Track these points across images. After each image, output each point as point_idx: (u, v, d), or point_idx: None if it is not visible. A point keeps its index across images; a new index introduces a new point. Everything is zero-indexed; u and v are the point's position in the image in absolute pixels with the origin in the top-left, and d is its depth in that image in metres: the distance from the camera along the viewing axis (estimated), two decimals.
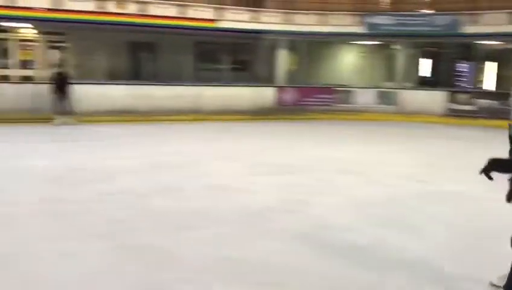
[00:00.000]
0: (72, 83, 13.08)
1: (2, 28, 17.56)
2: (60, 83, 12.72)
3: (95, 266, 3.98)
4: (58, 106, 12.63)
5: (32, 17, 15.79)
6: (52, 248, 4.36)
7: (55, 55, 15.52)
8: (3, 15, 15.61)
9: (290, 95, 17.49)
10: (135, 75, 17.86)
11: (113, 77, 16.28)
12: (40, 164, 7.84)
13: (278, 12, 18.45)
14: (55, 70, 13.53)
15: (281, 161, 8.82)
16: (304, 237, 4.85)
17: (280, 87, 17.80)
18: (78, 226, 5.00)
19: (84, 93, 13.91)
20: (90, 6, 16.19)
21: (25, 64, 18.87)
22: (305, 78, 19.40)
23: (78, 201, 5.86)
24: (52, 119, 12.48)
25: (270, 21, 18.16)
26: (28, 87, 14.11)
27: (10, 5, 15.55)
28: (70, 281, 3.72)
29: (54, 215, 5.32)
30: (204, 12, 17.49)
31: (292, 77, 19.22)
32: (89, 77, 16.03)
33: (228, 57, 19.44)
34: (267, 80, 18.58)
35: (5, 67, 18.42)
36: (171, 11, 17.12)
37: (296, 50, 19.64)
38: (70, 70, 18.31)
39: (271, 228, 5.12)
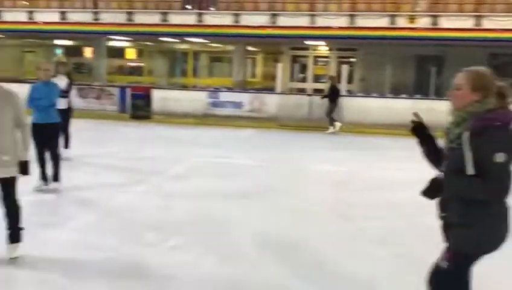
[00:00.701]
0: (342, 95, 14.05)
1: (304, 46, 20.10)
2: (332, 95, 13.82)
3: (374, 271, 4.24)
4: (332, 116, 13.74)
5: (330, 35, 17.55)
6: (332, 245, 4.84)
7: (345, 70, 16.77)
8: (306, 35, 17.88)
9: None
10: (420, 88, 17.67)
11: (397, 90, 16.52)
12: (325, 168, 8.65)
13: None
14: (329, 83, 14.65)
15: None
16: None
17: None
18: (360, 229, 5.38)
19: (366, 106, 14.60)
20: (382, 23, 16.93)
21: (317, 78, 21.08)
22: None
23: (360, 206, 6.27)
24: (327, 127, 13.62)
25: None
26: (316, 98, 15.59)
27: (311, 25, 17.66)
28: (353, 275, 4.09)
29: (339, 216, 5.87)
30: (503, 22, 15.99)
31: None
32: (373, 90, 16.72)
33: None
34: None
35: (304, 81, 21.02)
36: (465, 23, 16.29)
37: None
38: (356, 84, 19.45)
39: None
